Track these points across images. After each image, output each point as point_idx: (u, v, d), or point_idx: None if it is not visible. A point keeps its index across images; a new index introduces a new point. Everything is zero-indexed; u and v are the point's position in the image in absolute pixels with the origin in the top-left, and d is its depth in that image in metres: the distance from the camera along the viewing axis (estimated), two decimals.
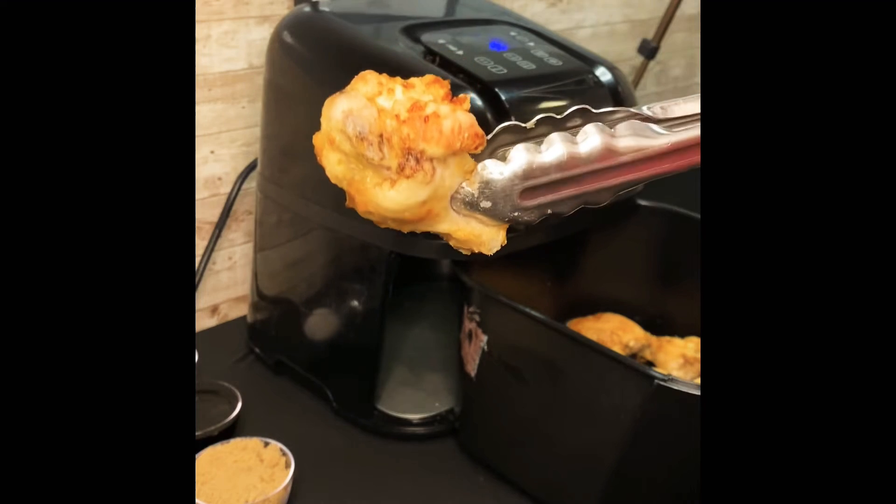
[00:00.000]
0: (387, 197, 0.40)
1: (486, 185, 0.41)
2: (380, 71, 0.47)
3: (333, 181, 0.42)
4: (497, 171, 0.41)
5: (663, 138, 0.42)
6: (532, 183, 0.41)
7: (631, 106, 0.81)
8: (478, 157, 0.41)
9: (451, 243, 0.43)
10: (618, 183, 0.43)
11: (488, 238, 0.43)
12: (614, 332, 0.84)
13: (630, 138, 0.42)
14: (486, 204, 0.42)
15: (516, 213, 0.42)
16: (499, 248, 0.43)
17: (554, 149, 0.41)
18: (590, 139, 0.42)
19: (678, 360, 0.81)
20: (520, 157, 0.41)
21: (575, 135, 0.43)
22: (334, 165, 0.41)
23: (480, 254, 0.46)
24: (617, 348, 0.82)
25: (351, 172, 0.41)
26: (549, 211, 0.42)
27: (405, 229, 0.42)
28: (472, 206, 0.42)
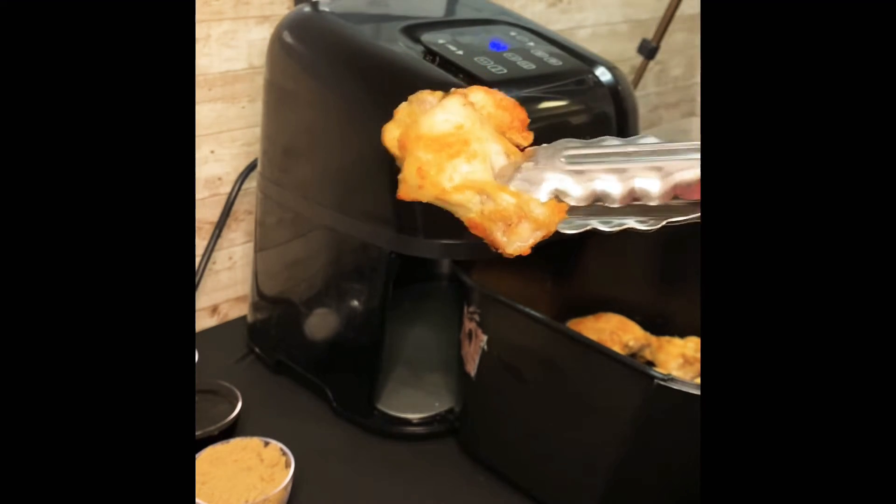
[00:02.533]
0: (427, 116, 0.47)
1: (562, 193, 0.46)
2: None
3: (390, 147, 0.50)
4: (574, 186, 0.47)
5: None
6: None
7: (629, 106, 0.82)
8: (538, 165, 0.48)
9: (485, 217, 0.47)
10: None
11: (541, 209, 0.46)
12: (614, 331, 0.84)
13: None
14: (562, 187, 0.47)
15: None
16: (551, 226, 0.47)
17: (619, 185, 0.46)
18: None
19: (678, 359, 0.82)
20: (598, 184, 0.46)
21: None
22: (392, 131, 0.49)
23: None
24: (617, 348, 0.82)
25: (405, 125, 0.48)
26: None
27: (445, 168, 0.47)
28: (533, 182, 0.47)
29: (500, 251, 0.47)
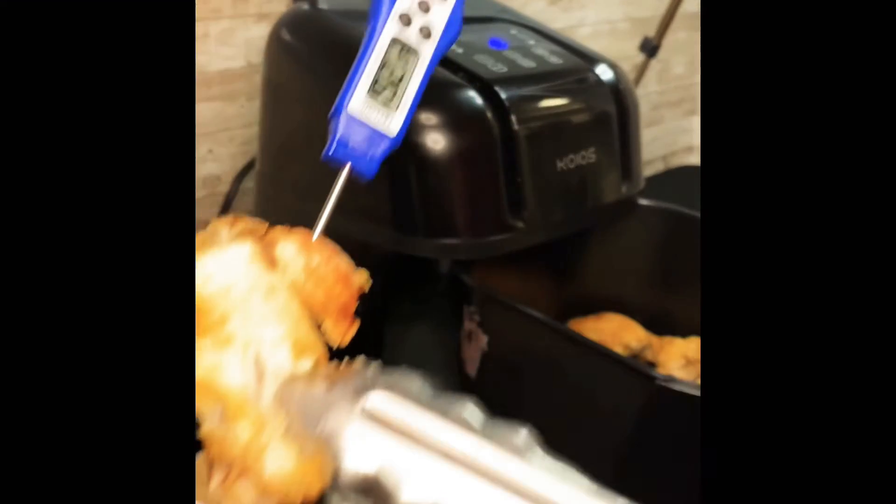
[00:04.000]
0: (198, 261, 0.35)
1: (335, 452, 0.31)
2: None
3: None
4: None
5: None
6: None
7: (630, 104, 0.81)
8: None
9: (211, 442, 0.33)
10: None
11: (279, 472, 0.32)
12: (615, 332, 0.84)
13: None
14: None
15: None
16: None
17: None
18: None
19: (679, 360, 0.81)
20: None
21: None
22: None
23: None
24: (618, 349, 0.82)
25: None
26: None
27: None
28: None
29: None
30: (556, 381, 0.66)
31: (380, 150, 0.41)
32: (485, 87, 0.71)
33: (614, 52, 1.37)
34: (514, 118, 0.71)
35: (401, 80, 0.41)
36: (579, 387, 0.64)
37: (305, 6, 0.82)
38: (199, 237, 0.33)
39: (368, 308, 0.78)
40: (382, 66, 0.40)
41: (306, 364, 0.33)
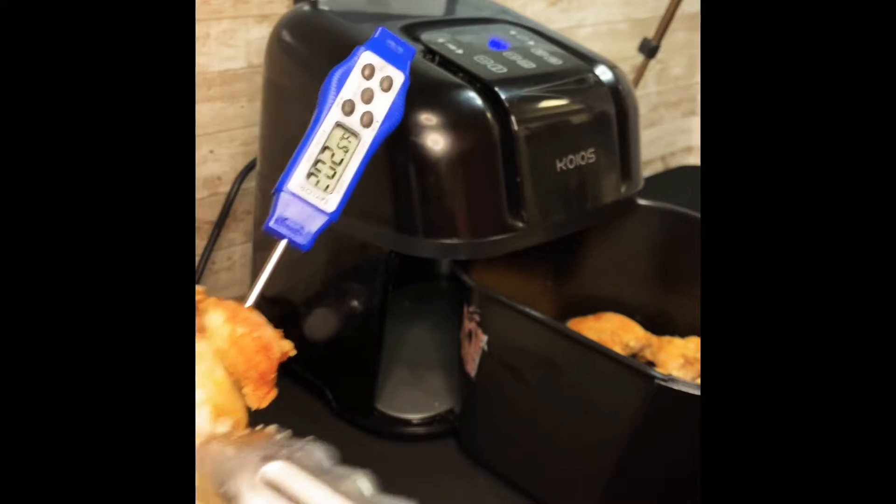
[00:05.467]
0: None
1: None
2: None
3: None
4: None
5: None
6: None
7: (630, 105, 0.81)
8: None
9: None
10: None
11: None
12: (615, 331, 0.84)
13: None
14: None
15: None
16: None
17: None
18: None
19: (679, 359, 0.81)
20: None
21: None
22: None
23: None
24: (617, 348, 0.82)
25: None
26: None
27: None
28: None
29: None
30: (555, 380, 0.66)
31: (316, 225, 0.44)
32: (485, 88, 0.72)
33: (614, 53, 1.38)
34: (513, 119, 0.71)
35: (341, 162, 0.43)
36: (579, 386, 0.65)
37: (306, 7, 0.82)
38: None
39: (369, 308, 0.78)
40: (325, 148, 0.43)
41: (224, 426, 0.37)
